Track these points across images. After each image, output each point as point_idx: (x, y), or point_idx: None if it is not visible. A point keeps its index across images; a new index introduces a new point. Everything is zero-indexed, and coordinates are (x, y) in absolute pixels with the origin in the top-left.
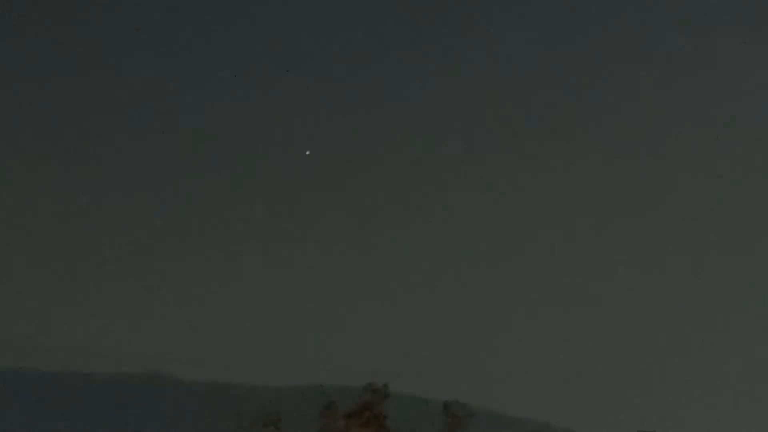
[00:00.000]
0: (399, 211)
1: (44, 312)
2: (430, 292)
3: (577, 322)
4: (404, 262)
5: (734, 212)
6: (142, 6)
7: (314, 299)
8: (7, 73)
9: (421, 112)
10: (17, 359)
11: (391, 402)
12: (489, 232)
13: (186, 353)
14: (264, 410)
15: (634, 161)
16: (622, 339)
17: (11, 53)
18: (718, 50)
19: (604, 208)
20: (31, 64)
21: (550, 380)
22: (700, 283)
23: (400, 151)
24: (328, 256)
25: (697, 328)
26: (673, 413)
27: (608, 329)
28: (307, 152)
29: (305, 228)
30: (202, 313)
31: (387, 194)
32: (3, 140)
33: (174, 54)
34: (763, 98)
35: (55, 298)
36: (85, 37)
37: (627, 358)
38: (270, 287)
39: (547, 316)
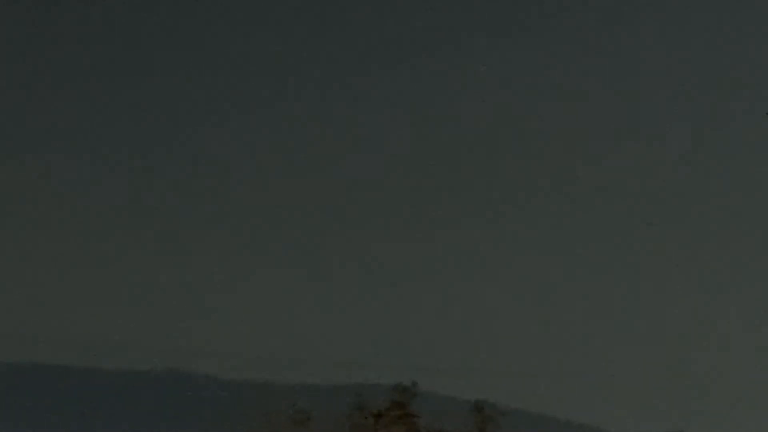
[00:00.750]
0: (426, 208)
1: (70, 307)
2: (460, 290)
3: (612, 320)
4: (433, 259)
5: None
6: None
7: (344, 297)
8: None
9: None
10: (41, 355)
11: (421, 400)
12: (521, 226)
13: (214, 350)
14: (293, 409)
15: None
16: (652, 338)
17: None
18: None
19: (630, 207)
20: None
21: (583, 379)
22: (735, 283)
23: (425, 150)
24: (357, 254)
25: (729, 326)
26: (707, 413)
27: (640, 328)
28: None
29: (332, 225)
30: (230, 310)
31: (414, 189)
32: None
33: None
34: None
35: (82, 293)
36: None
37: (660, 357)
38: (299, 285)
39: (581, 314)
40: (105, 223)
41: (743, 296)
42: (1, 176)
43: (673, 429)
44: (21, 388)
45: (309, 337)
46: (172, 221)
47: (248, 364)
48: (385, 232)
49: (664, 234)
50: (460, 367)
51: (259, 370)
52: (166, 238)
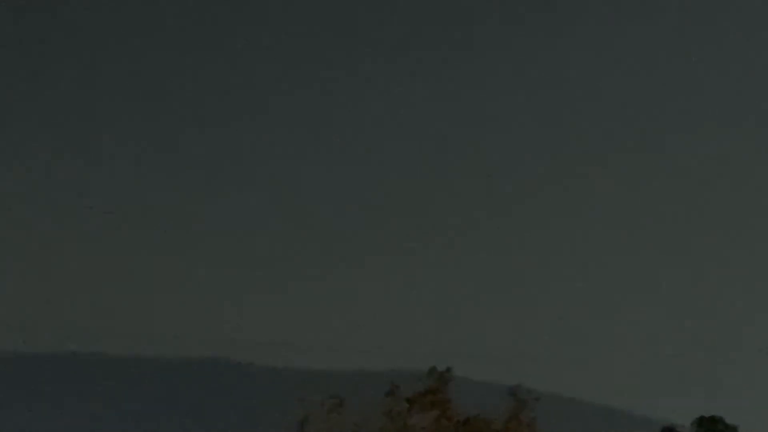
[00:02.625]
0: (456, 198)
1: (112, 298)
2: (495, 276)
3: (647, 306)
4: (467, 246)
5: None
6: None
7: (377, 283)
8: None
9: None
10: (83, 344)
11: (455, 386)
12: (553, 212)
13: (250, 339)
14: (327, 395)
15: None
16: (688, 324)
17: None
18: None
19: (674, 196)
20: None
21: (617, 364)
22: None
23: (474, 148)
24: (392, 240)
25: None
26: (742, 399)
27: (676, 314)
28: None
29: (365, 215)
30: (266, 299)
31: (442, 180)
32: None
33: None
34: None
35: (124, 284)
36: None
37: (696, 344)
38: (332, 272)
39: (616, 300)
40: (147, 213)
41: None
42: (37, 168)
43: (707, 414)
44: (65, 376)
45: (343, 324)
46: (213, 213)
47: (282, 352)
48: (421, 220)
49: (706, 222)
50: (495, 352)
51: (294, 358)
52: (205, 230)
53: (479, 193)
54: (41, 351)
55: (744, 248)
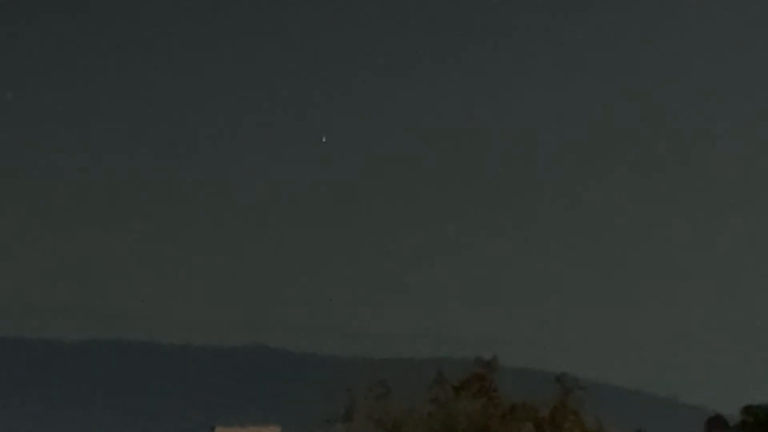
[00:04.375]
0: (504, 191)
1: (163, 289)
2: (541, 266)
3: (693, 297)
4: (513, 236)
5: None
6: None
7: (425, 271)
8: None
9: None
10: (132, 332)
11: (501, 374)
12: (601, 205)
13: (296, 325)
14: (374, 382)
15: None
16: (736, 315)
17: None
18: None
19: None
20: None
21: (664, 353)
22: None
23: (510, 139)
24: (438, 230)
25: None
26: None
27: (721, 308)
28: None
29: (413, 207)
30: (312, 287)
31: (492, 174)
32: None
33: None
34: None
35: (173, 276)
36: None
37: (743, 334)
38: (378, 262)
39: (662, 289)
40: (196, 209)
41: None
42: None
43: (754, 403)
44: (115, 363)
45: (390, 311)
46: (258, 209)
47: (329, 338)
48: (467, 211)
49: (745, 219)
50: (541, 340)
51: (340, 344)
52: (250, 225)
53: (523, 188)
54: (74, 338)
55: None
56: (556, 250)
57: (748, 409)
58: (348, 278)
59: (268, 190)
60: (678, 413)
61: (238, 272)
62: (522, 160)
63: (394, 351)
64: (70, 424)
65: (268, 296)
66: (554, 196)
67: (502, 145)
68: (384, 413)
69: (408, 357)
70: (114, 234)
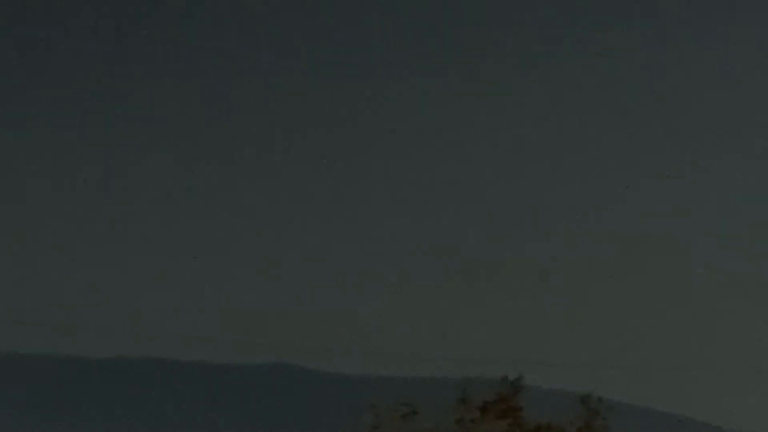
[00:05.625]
0: (532, 207)
1: (189, 307)
2: (565, 286)
3: (718, 316)
4: (540, 254)
5: None
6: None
7: (450, 293)
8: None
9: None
10: (162, 351)
11: (526, 394)
12: (625, 221)
13: (322, 345)
14: (399, 401)
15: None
16: (762, 334)
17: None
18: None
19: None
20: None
21: (690, 373)
22: None
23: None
24: (464, 250)
25: None
26: None
27: (749, 324)
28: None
29: (440, 225)
30: (337, 306)
31: (521, 186)
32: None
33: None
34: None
35: (200, 295)
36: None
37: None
38: (405, 282)
39: (688, 309)
40: (219, 225)
41: None
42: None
43: None
44: (139, 381)
45: (416, 331)
46: (283, 227)
47: (355, 358)
48: (494, 231)
49: None
50: (567, 360)
51: (366, 364)
52: (275, 243)
53: (548, 205)
54: (99, 356)
55: None
56: (583, 269)
57: None
58: (373, 297)
59: (293, 208)
60: None
61: (262, 291)
62: (550, 178)
63: (419, 370)
64: None
65: (292, 315)
66: (578, 214)
67: (531, 161)
68: None
69: (433, 376)
70: (138, 251)
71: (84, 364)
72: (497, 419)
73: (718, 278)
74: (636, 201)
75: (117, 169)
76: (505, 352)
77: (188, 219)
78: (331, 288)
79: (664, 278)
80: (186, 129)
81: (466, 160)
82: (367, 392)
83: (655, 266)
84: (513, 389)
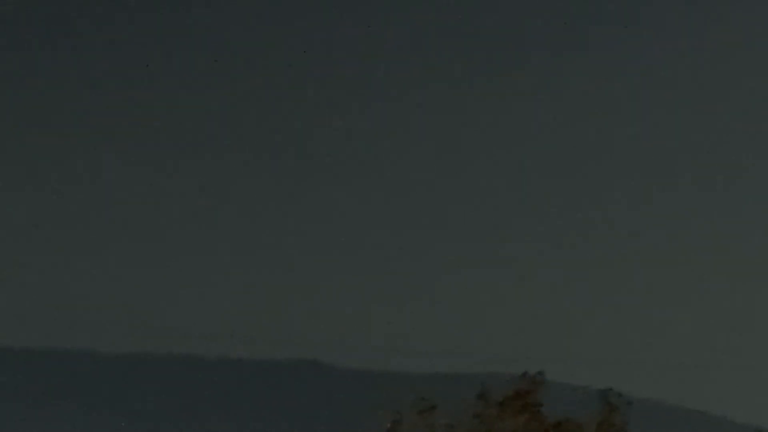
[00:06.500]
0: (549, 205)
1: (215, 304)
2: (586, 282)
3: (740, 312)
4: (560, 250)
5: None
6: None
7: (470, 288)
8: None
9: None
10: (182, 347)
11: (546, 389)
12: (643, 219)
13: (341, 340)
14: (418, 397)
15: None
16: None
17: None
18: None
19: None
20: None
21: (710, 370)
22: None
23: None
24: (484, 246)
25: None
26: None
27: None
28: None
29: (461, 223)
30: (358, 303)
31: (526, 189)
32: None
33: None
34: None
35: (226, 291)
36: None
37: None
38: (424, 276)
39: (708, 305)
40: (247, 224)
41: None
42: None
43: None
44: (162, 377)
45: (436, 327)
46: (305, 225)
47: (375, 354)
48: (513, 226)
49: None
50: (586, 355)
51: (386, 360)
52: (298, 241)
53: (567, 201)
54: (120, 351)
55: None
56: (601, 267)
57: None
58: (393, 295)
59: (314, 204)
60: (723, 429)
61: (283, 288)
62: (573, 179)
63: (438, 366)
64: None
65: (313, 312)
66: (599, 217)
67: (554, 163)
68: (428, 429)
69: (453, 372)
70: (161, 247)
71: (106, 360)
72: (517, 415)
73: (738, 274)
74: (656, 203)
75: (139, 165)
76: (525, 349)
77: (210, 214)
78: (351, 285)
79: (685, 274)
80: (201, 124)
81: (501, 149)
82: (386, 388)
83: (676, 262)
84: (533, 385)
